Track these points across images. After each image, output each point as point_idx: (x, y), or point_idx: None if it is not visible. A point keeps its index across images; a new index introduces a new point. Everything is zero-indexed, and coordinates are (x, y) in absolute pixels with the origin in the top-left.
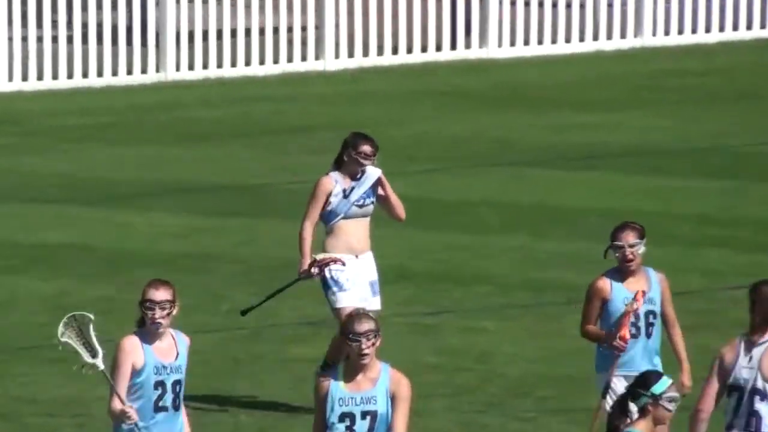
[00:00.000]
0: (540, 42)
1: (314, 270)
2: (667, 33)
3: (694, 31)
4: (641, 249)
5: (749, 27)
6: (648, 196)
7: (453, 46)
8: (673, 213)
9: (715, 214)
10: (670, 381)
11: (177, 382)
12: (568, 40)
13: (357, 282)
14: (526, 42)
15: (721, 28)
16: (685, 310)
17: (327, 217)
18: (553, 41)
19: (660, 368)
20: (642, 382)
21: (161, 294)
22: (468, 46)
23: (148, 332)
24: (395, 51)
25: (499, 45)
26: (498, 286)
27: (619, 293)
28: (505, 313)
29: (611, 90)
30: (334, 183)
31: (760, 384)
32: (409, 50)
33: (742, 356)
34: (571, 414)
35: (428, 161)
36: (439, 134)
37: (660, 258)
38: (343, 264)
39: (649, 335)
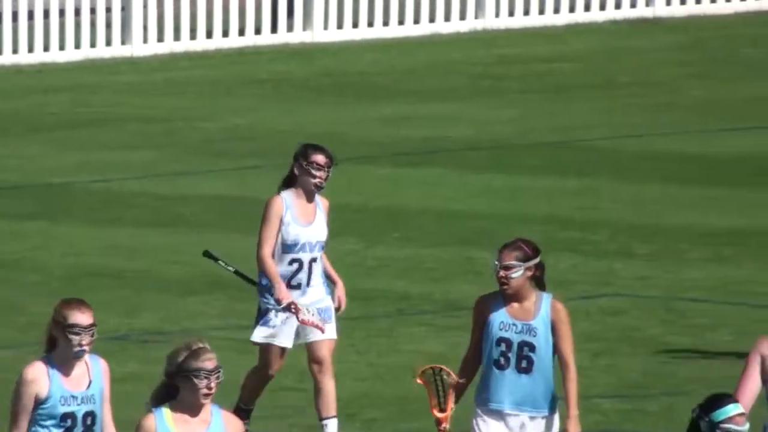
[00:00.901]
0: (370, 24)
1: (291, 311)
2: (511, 14)
3: (541, 12)
4: (519, 272)
5: (602, 8)
6: (491, 195)
7: (274, 29)
8: (519, 214)
9: (566, 216)
10: (736, 410)
11: (89, 414)
12: (401, 22)
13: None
14: (355, 24)
15: (572, 9)
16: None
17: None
18: (385, 23)
19: (544, 410)
20: (707, 405)
21: (88, 317)
22: (290, 29)
23: (58, 358)
24: (209, 35)
25: (325, 28)
26: None
27: (496, 318)
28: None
29: (450, 78)
30: (285, 207)
31: None
32: (225, 34)
33: None
34: None
35: (244, 157)
36: (257, 127)
37: None
38: (322, 330)
39: (522, 370)
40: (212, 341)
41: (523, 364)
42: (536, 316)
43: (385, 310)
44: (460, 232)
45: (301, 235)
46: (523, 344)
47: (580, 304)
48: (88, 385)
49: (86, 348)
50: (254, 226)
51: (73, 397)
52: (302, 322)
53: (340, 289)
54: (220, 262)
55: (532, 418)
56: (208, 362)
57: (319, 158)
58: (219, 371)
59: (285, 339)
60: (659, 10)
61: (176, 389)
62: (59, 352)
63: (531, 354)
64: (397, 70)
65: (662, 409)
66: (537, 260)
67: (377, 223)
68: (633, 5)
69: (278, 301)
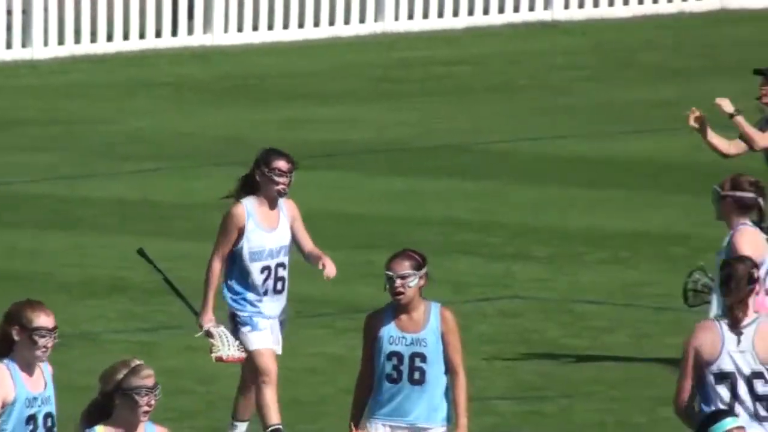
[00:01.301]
0: (270, 27)
1: (212, 333)
2: (410, 17)
3: (440, 15)
4: (414, 281)
5: (501, 11)
6: (390, 198)
7: (174, 32)
8: (418, 217)
9: (464, 219)
10: (733, 424)
11: (48, 415)
12: (301, 25)
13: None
14: (255, 28)
15: (471, 12)
16: None
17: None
18: (285, 26)
19: (437, 421)
20: (704, 422)
21: (52, 320)
22: (191, 32)
23: (19, 361)
24: (110, 38)
25: (225, 31)
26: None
27: (387, 331)
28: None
29: (349, 81)
30: (247, 216)
31: (758, 367)
32: (126, 37)
33: (728, 341)
34: None
35: (146, 160)
36: (158, 130)
37: None
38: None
39: (416, 381)
40: (112, 345)
41: (416, 375)
42: (425, 327)
43: None
44: (360, 235)
45: (266, 242)
46: (414, 356)
47: (478, 306)
48: (45, 386)
49: (49, 351)
50: (156, 228)
51: (34, 398)
52: (217, 360)
53: (327, 260)
54: (153, 264)
55: (425, 429)
56: (149, 379)
57: (281, 164)
58: (158, 388)
59: (275, 343)
60: (557, 13)
61: (110, 408)
62: (20, 355)
63: (423, 365)
64: (298, 73)
65: (560, 411)
66: (426, 269)
67: None
68: (531, 8)
69: (200, 325)
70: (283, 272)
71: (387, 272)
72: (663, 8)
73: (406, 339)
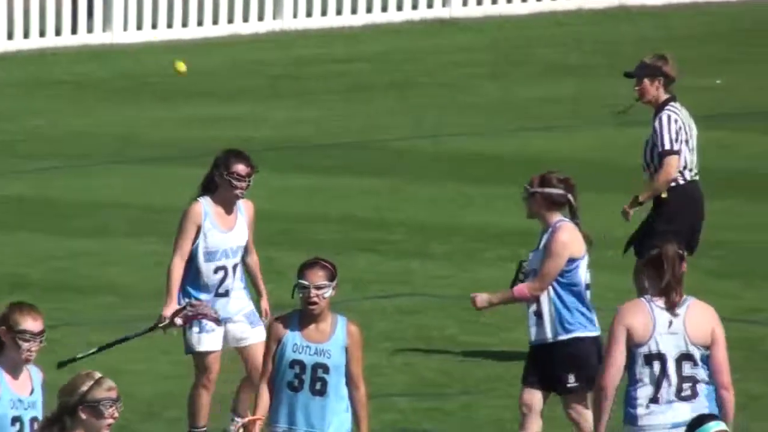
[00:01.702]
0: (170, 26)
1: (178, 320)
2: (309, 15)
3: (339, 12)
4: (329, 292)
5: (400, 8)
6: (290, 195)
7: (74, 31)
8: (317, 214)
9: (363, 216)
10: (717, 427)
11: (34, 419)
12: (200, 23)
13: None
14: (155, 26)
15: (369, 10)
16: None
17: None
18: (184, 25)
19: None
20: (692, 424)
21: (39, 324)
22: (90, 30)
23: (4, 362)
24: (10, 36)
25: (125, 29)
26: (124, 297)
27: (292, 338)
28: (132, 326)
29: (249, 79)
30: (204, 215)
31: (688, 349)
32: (26, 35)
33: (659, 323)
34: None
35: (44, 158)
36: (56, 129)
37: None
38: (218, 322)
39: (317, 392)
40: None
41: (317, 386)
42: (330, 338)
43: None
44: (260, 232)
45: (222, 242)
46: (316, 366)
47: (377, 303)
48: (31, 392)
49: (34, 354)
50: (54, 226)
51: (20, 401)
52: (191, 317)
53: (265, 302)
54: (84, 357)
55: None
56: (113, 391)
57: (240, 168)
58: (121, 400)
59: (221, 342)
60: (456, 10)
61: (69, 422)
62: (6, 356)
63: (325, 376)
64: (197, 72)
65: (460, 408)
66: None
67: (177, 223)
68: (430, 6)
69: (161, 317)
70: (237, 271)
71: (302, 281)
72: (561, 5)
73: (311, 348)
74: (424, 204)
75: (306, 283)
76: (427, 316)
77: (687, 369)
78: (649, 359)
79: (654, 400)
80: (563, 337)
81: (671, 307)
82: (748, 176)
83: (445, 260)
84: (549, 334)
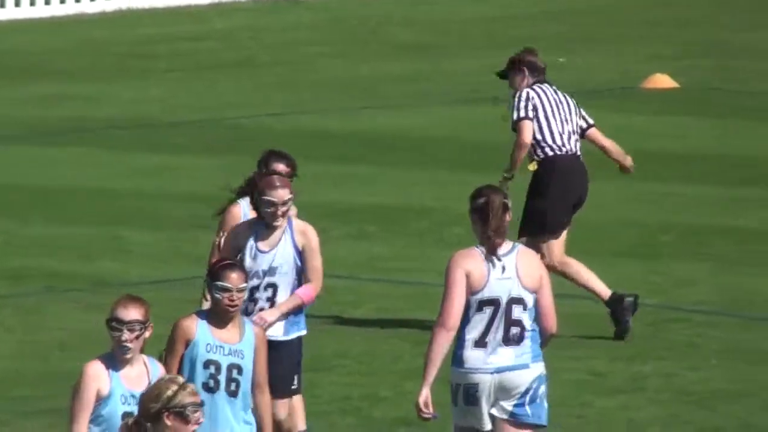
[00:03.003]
0: (17, 4)
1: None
2: None
3: None
4: (246, 294)
5: None
6: (139, 174)
7: None
8: (166, 193)
9: (211, 194)
10: None
11: None
12: (47, 2)
13: None
14: (2, 4)
15: None
16: (172, 300)
17: None
18: (32, 3)
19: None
20: None
21: (131, 313)
22: None
23: (114, 357)
24: None
25: None
26: None
27: (204, 338)
28: None
29: (96, 58)
30: (243, 217)
31: (520, 293)
32: None
33: (492, 269)
34: (52, 415)
35: None
36: None
37: (152, 245)
38: None
39: (232, 393)
40: None
41: (232, 387)
42: (242, 339)
43: (33, 288)
44: (109, 211)
45: None
46: (231, 367)
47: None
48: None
49: (128, 345)
50: None
51: (133, 396)
52: None
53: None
54: None
55: None
56: (198, 396)
57: (281, 168)
58: (204, 404)
59: None
60: None
61: (151, 428)
62: (113, 351)
63: (239, 377)
64: (45, 50)
65: (307, 385)
66: None
67: (27, 202)
68: None
69: None
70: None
71: (223, 283)
72: None
73: (224, 348)
74: None
75: (229, 285)
76: None
77: (516, 313)
78: (482, 305)
79: (481, 343)
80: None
81: (493, 251)
82: (596, 152)
83: None
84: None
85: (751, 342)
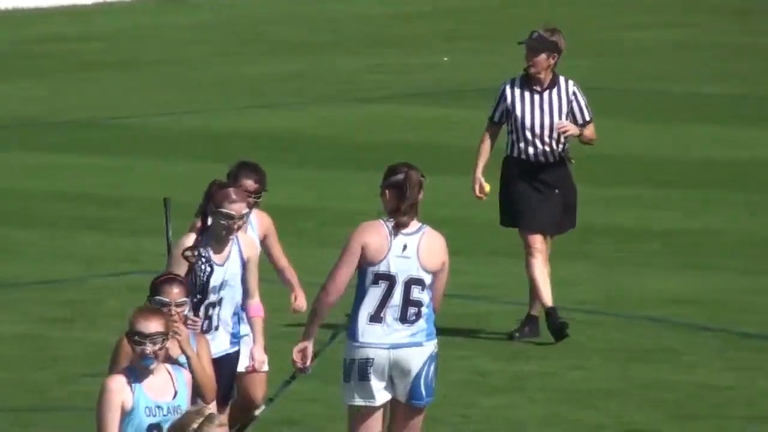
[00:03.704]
0: None
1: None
2: None
3: None
4: (187, 309)
5: None
6: (23, 173)
7: None
8: (51, 192)
9: (95, 193)
10: None
11: None
12: None
13: None
14: None
15: None
16: (57, 302)
17: None
18: None
19: None
20: None
21: (152, 326)
22: None
23: (136, 369)
24: None
25: None
26: None
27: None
28: None
29: None
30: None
31: (419, 274)
32: None
33: (394, 245)
34: None
35: None
36: None
37: (38, 244)
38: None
39: None
40: None
41: None
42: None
43: None
44: None
45: None
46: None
47: (108, 281)
48: (174, 395)
49: (152, 357)
50: None
51: (158, 407)
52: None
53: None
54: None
55: None
56: (224, 428)
57: (249, 184)
58: None
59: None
60: None
61: None
62: (135, 364)
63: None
64: None
65: None
66: None
67: None
68: None
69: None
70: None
71: (161, 298)
72: None
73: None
74: (156, 181)
75: (167, 300)
76: None
77: (415, 293)
78: (378, 278)
79: (377, 319)
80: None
81: (400, 227)
82: (473, 153)
83: (176, 237)
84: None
85: (629, 340)
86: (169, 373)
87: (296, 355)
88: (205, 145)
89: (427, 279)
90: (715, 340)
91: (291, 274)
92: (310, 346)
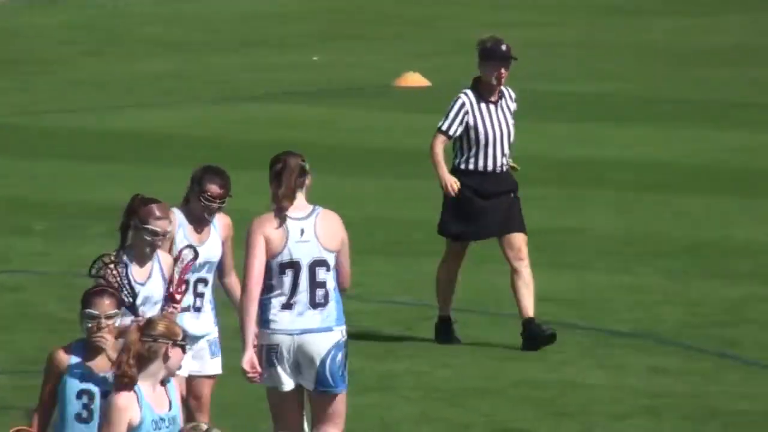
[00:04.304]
0: None
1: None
2: None
3: None
4: (119, 321)
5: None
6: None
7: None
8: None
9: None
10: None
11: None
12: None
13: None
14: None
15: None
16: None
17: None
18: None
19: None
20: None
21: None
22: None
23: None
24: None
25: None
26: None
27: (76, 370)
28: None
29: None
30: (177, 225)
31: (322, 255)
32: None
33: (292, 232)
34: None
35: None
36: None
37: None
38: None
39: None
40: None
41: (84, 414)
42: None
43: None
44: None
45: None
46: (106, 394)
47: None
48: (170, 406)
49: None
50: None
51: (161, 419)
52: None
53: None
54: None
55: None
56: None
57: (214, 189)
58: None
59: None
60: None
61: None
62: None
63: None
64: None
65: None
66: None
67: None
68: None
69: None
70: (203, 289)
71: (90, 310)
72: None
73: (98, 378)
74: (22, 180)
75: (96, 312)
76: (28, 293)
77: (321, 275)
78: (283, 267)
79: (288, 306)
80: None
81: (280, 212)
82: (350, 149)
83: (46, 237)
84: None
85: (500, 339)
86: (162, 384)
87: (248, 368)
88: (80, 145)
89: (330, 259)
90: (584, 338)
91: (237, 290)
92: (254, 353)
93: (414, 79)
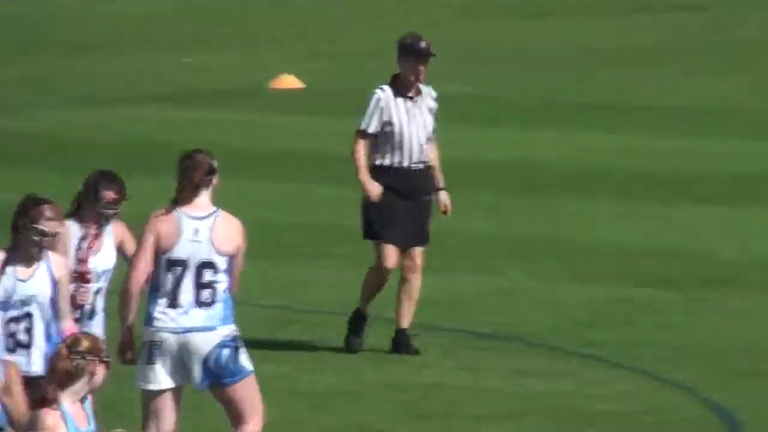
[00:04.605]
0: None
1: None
2: None
3: None
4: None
5: None
6: None
7: None
8: None
9: None
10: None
11: None
12: None
13: None
14: None
15: None
16: None
17: None
18: None
19: None
20: None
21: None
22: None
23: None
24: None
25: None
26: None
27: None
28: None
29: None
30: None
31: (211, 257)
32: None
33: (185, 230)
34: None
35: None
36: None
37: None
38: None
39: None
40: None
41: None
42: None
43: None
44: None
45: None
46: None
47: None
48: (87, 421)
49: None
50: None
51: None
52: None
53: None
54: None
55: None
56: None
57: (110, 195)
58: None
59: None
60: None
61: None
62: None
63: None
64: None
65: None
66: None
67: None
68: None
69: None
70: (99, 298)
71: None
72: None
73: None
74: None
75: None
76: None
77: (207, 276)
78: (171, 264)
79: (173, 304)
80: None
81: (183, 202)
82: (220, 151)
83: None
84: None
85: (363, 342)
86: (80, 400)
87: (120, 353)
88: None
89: (221, 262)
90: (447, 340)
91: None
92: (128, 334)
93: (288, 81)
